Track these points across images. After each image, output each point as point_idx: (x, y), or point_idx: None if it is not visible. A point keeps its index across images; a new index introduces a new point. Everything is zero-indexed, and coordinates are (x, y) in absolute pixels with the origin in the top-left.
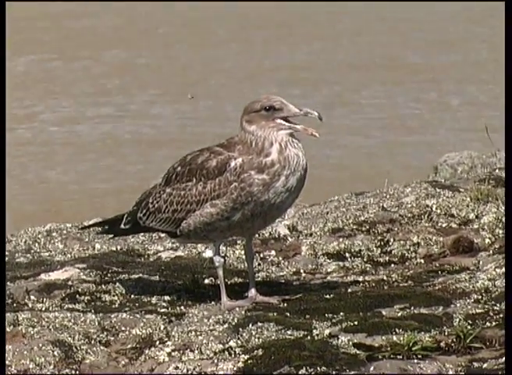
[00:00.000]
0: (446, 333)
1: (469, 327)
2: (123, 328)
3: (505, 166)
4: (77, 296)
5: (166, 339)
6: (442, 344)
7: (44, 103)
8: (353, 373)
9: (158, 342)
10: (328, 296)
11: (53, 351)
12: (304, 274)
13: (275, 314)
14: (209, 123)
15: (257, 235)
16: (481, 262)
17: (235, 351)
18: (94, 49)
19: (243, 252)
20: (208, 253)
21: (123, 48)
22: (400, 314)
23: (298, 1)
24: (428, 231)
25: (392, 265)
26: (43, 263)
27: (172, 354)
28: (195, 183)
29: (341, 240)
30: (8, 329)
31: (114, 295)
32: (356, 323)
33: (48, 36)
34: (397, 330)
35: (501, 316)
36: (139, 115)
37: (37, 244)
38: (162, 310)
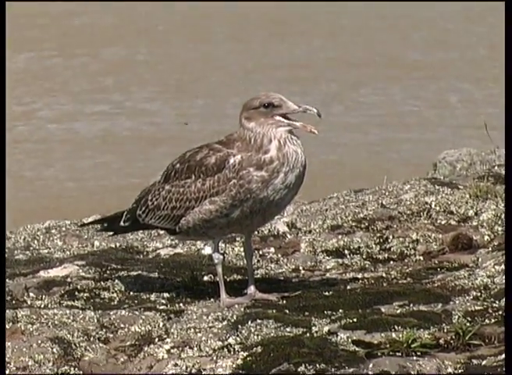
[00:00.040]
0: (445, 330)
1: (468, 324)
2: (122, 325)
3: (505, 163)
4: (76, 293)
5: (165, 336)
6: (442, 341)
7: (42, 100)
8: (352, 370)
9: (157, 339)
10: (327, 293)
11: (52, 348)
12: (303, 271)
13: (274, 311)
14: (208, 121)
15: (256, 232)
16: (480, 259)
17: (234, 349)
18: (92, 46)
19: (242, 249)
20: (207, 250)
21: (122, 46)
22: (399, 311)
23: (298, 0)
24: (427, 228)
25: (392, 262)
26: (42, 260)
27: (171, 351)
28: (194, 180)
29: (340, 237)
30: (7, 326)
31: (113, 292)
32: (355, 320)
33: (47, 33)
34: (396, 327)
35: (500, 312)
36: (138, 112)
37: (36, 241)
38: (161, 307)
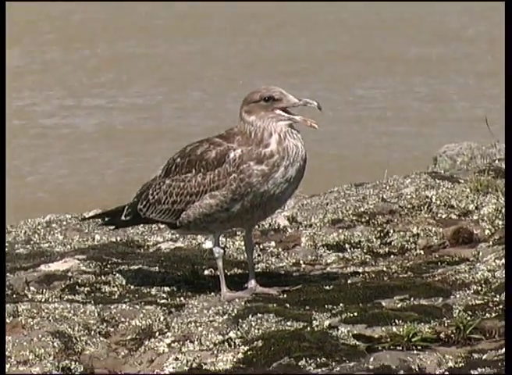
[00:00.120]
0: (446, 325)
1: (469, 318)
2: (123, 319)
3: (505, 157)
4: (77, 287)
5: (166, 330)
6: (442, 336)
7: (39, 95)
8: (352, 364)
9: (157, 333)
10: (327, 287)
11: (53, 343)
12: (303, 265)
13: (274, 305)
14: (208, 115)
15: (256, 226)
16: (480, 253)
17: (235, 343)
18: (91, 41)
19: (242, 243)
20: (208, 244)
21: (121, 41)
22: (399, 305)
23: (298, 0)
24: (428, 222)
25: (392, 256)
26: (43, 254)
27: (172, 345)
28: (194, 175)
29: (341, 231)
30: (7, 320)
31: (114, 286)
32: (356, 314)
33: (45, 28)
34: (397, 321)
35: (501, 307)
36: (137, 106)
37: (36, 236)
38: (162, 301)
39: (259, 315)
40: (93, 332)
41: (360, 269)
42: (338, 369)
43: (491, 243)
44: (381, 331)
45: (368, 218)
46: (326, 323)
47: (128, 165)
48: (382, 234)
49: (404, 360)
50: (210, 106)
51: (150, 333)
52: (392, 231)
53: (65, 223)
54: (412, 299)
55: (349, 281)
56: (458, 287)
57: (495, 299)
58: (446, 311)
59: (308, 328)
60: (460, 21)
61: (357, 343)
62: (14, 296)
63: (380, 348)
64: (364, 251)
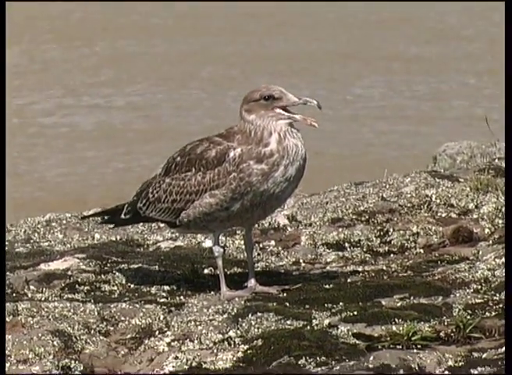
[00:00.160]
0: (446, 323)
1: (468, 317)
2: (123, 318)
3: (505, 156)
4: (77, 286)
5: (166, 329)
6: (442, 334)
7: (39, 93)
8: (352, 362)
9: (157, 332)
10: (327, 286)
11: (53, 341)
12: (303, 264)
13: (274, 304)
14: (207, 114)
15: (256, 225)
16: (480, 252)
17: (234, 341)
18: (89, 40)
19: (242, 242)
20: (208, 243)
21: (119, 39)
22: (399, 304)
23: (298, 0)
24: (428, 221)
25: (392, 255)
26: (42, 253)
27: (172, 344)
28: (194, 174)
29: (340, 230)
30: (7, 319)
31: (113, 285)
32: (355, 312)
33: (45, 27)
34: (397, 320)
35: (501, 305)
36: (136, 105)
37: (36, 234)
38: (162, 300)
39: (259, 314)
40: (93, 331)
41: (360, 268)
42: (338, 368)
43: (491, 242)
44: (381, 330)
45: (367, 217)
46: (326, 321)
47: (127, 163)
48: (381, 233)
49: (404, 359)
50: (209, 105)
51: (150, 332)
52: (391, 230)
53: (64, 221)
54: (412, 298)
55: (349, 280)
56: (458, 285)
57: (495, 298)
58: (445, 310)
59: (308, 327)
60: (460, 20)
61: (357, 342)
62: (14, 295)
63: (380, 346)
64: (364, 250)
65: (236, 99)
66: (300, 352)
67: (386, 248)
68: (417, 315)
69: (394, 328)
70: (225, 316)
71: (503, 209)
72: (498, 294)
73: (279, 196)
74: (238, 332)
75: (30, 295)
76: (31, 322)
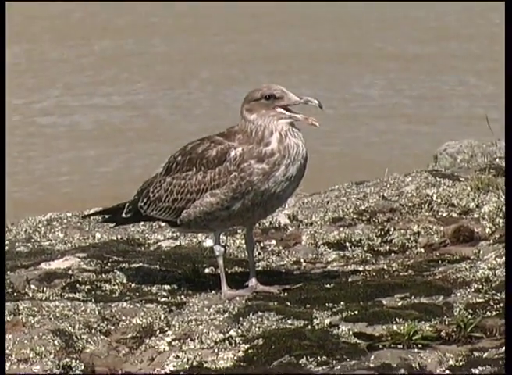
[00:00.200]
0: (447, 323)
1: (469, 317)
2: (124, 317)
3: (505, 156)
4: (77, 285)
5: (167, 328)
6: (443, 334)
7: (38, 92)
8: (353, 362)
9: (158, 331)
10: (328, 285)
11: (53, 341)
12: (304, 263)
13: (275, 303)
14: (207, 113)
15: (257, 224)
16: (481, 252)
17: (235, 341)
18: (88, 39)
19: (243, 242)
20: (209, 242)
21: (119, 38)
22: (400, 303)
23: (298, 0)
24: (429, 220)
25: (393, 254)
26: (43, 252)
27: (173, 343)
28: (195, 173)
29: (341, 229)
30: (8, 318)
31: (114, 284)
32: (356, 312)
33: (44, 26)
34: (398, 319)
35: (501, 305)
36: (136, 104)
37: (37, 234)
38: (163, 299)
39: (260, 313)
40: (93, 330)
41: (361, 268)
42: (338, 367)
43: (491, 241)
44: (381, 329)
45: (368, 216)
46: (327, 321)
47: (127, 162)
48: (382, 233)
49: (405, 358)
50: (209, 105)
51: (150, 332)
52: (392, 229)
53: (65, 221)
54: (413, 297)
55: (349, 279)
56: (459, 285)
57: (495, 297)
58: (446, 309)
59: (309, 326)
60: (460, 19)
61: (358, 341)
62: (15, 294)
63: (381, 346)
64: (365, 249)
65: (235, 99)
66: (301, 352)
67: (387, 248)
68: (418, 314)
69: (395, 327)
70: (226, 315)
71: (504, 209)
72: (499, 294)
73: (279, 195)
74: (239, 331)
75: (30, 294)
76: (32, 321)
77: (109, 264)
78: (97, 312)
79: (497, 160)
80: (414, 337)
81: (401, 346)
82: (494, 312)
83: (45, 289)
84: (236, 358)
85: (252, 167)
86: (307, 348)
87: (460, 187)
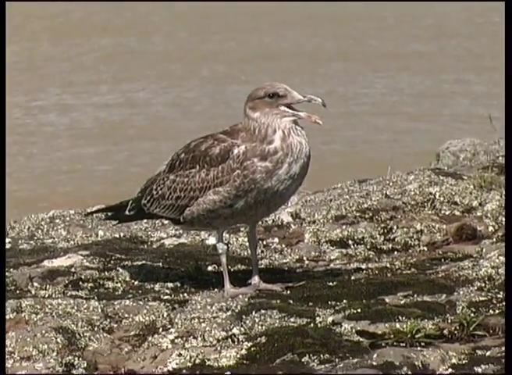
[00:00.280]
0: (449, 321)
1: (472, 315)
2: (126, 315)
3: (505, 155)
4: (80, 283)
5: (169, 326)
6: (446, 332)
7: (38, 91)
8: (356, 360)
9: (161, 329)
10: (331, 283)
11: (56, 338)
12: (307, 261)
13: (278, 301)
14: (208, 112)
15: (260, 222)
16: (484, 250)
17: (238, 339)
18: (89, 37)
19: (246, 239)
20: (212, 240)
21: (119, 36)
22: (403, 301)
23: (298, 0)
24: (432, 219)
25: (396, 252)
26: (46, 250)
27: (176, 341)
28: (198, 171)
29: (344, 227)
30: (11, 316)
31: (117, 282)
32: (359, 310)
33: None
34: (400, 317)
35: (504, 303)
36: (137, 102)
37: (40, 231)
38: (165, 297)
39: (262, 311)
40: (96, 328)
41: (364, 266)
42: (341, 365)
43: (494, 239)
44: (384, 328)
45: (371, 214)
46: (330, 319)
47: (127, 161)
48: (385, 231)
49: (408, 357)
50: (209, 103)
51: (153, 329)
52: (395, 228)
53: (68, 218)
54: (415, 296)
55: (352, 277)
56: (462, 283)
57: (498, 296)
58: (449, 307)
59: (312, 324)
60: (460, 18)
61: (361, 339)
62: (17, 292)
63: (383, 344)
64: (368, 247)
65: (235, 97)
66: (304, 350)
67: (390, 246)
68: (421, 312)
69: (398, 326)
70: (229, 313)
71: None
72: (502, 292)
73: (282, 193)
74: (242, 329)
75: (33, 292)
76: (35, 319)
77: (112, 262)
78: (99, 310)
79: (500, 158)
80: (416, 336)
81: (404, 344)
82: (497, 311)
83: (48, 287)
84: (238, 356)
85: (255, 165)
86: (310, 346)
87: (463, 186)
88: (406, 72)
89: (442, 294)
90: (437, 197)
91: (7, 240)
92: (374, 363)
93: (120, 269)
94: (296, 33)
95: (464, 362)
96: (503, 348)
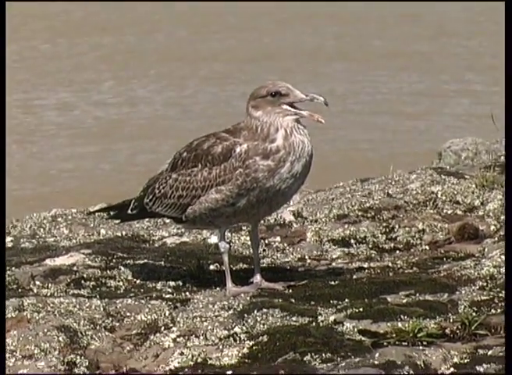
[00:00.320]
0: (451, 320)
1: (474, 314)
2: (128, 314)
3: (505, 155)
4: (82, 281)
5: (171, 325)
6: (447, 331)
7: (38, 90)
8: (358, 359)
9: (163, 328)
10: (333, 282)
11: (58, 337)
12: (309, 260)
13: (280, 300)
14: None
15: (262, 221)
16: (486, 249)
17: (240, 338)
18: (89, 36)
19: (248, 238)
20: (214, 239)
21: (119, 35)
22: (405, 301)
23: (298, 0)
24: (434, 218)
25: (398, 251)
26: (48, 249)
27: (177, 340)
28: (200, 169)
29: (346, 226)
30: (13, 314)
31: (119, 281)
32: (361, 309)
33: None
34: (402, 316)
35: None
36: (138, 101)
37: (42, 230)
38: (167, 296)
39: (264, 310)
40: (98, 326)
41: (366, 265)
42: (343, 364)
43: (496, 239)
44: (386, 327)
45: (373, 213)
46: (331, 318)
47: (127, 160)
48: (387, 230)
49: (409, 356)
50: (209, 102)
51: (155, 328)
52: (397, 227)
53: (70, 217)
54: (417, 295)
55: (354, 277)
56: (463, 282)
57: (500, 295)
58: (451, 307)
59: (313, 323)
60: (460, 17)
61: (363, 338)
62: (19, 290)
63: (385, 343)
64: (370, 246)
65: (235, 96)
66: (306, 349)
67: (392, 245)
68: (423, 312)
69: (400, 325)
70: (231, 312)
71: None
72: (503, 291)
73: (285, 192)
74: (243, 328)
75: (35, 291)
76: (37, 317)
77: (114, 260)
78: (101, 309)
79: (502, 158)
80: (418, 335)
81: (406, 343)
82: (499, 310)
83: (50, 285)
84: (240, 355)
85: (257, 164)
86: (312, 345)
87: (465, 185)
88: (406, 71)
89: (444, 294)
90: (439, 196)
91: (9, 238)
92: (376, 362)
93: (122, 268)
94: (296, 32)
95: (465, 361)
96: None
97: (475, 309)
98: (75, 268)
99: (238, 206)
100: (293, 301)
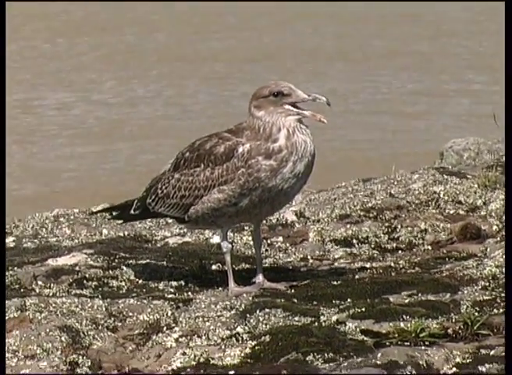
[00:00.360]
0: (454, 320)
1: (476, 314)
2: (131, 314)
3: (505, 155)
4: (85, 281)
5: (173, 325)
6: (450, 331)
7: (38, 90)
8: (360, 359)
9: (165, 328)
10: (335, 282)
11: (60, 337)
12: (311, 260)
13: (282, 300)
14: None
15: (264, 221)
16: (488, 249)
17: (242, 338)
18: (89, 36)
19: (250, 238)
20: (216, 239)
21: (119, 35)
22: (407, 301)
23: (298, 0)
24: (436, 218)
25: (400, 251)
26: (50, 248)
27: (180, 340)
28: (203, 169)
29: (348, 226)
30: (15, 314)
31: (121, 281)
32: (363, 309)
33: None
34: (405, 316)
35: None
36: (139, 101)
37: (44, 230)
38: (170, 296)
39: (267, 310)
40: (100, 326)
41: (368, 265)
42: (345, 364)
43: (498, 239)
44: (388, 327)
45: (375, 213)
46: (334, 318)
47: (127, 159)
48: (389, 230)
49: (412, 356)
50: (210, 102)
51: (157, 328)
52: (399, 227)
53: (72, 217)
54: (420, 295)
55: (356, 277)
56: (466, 282)
57: (502, 295)
58: (453, 307)
59: (316, 323)
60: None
61: (365, 338)
62: (22, 290)
63: (388, 343)
64: (372, 246)
65: (235, 96)
66: (308, 349)
67: (394, 245)
68: (425, 312)
69: (402, 325)
70: (233, 312)
71: (504, 209)
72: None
73: (287, 192)
74: (246, 328)
75: (37, 291)
76: (39, 317)
77: (116, 260)
78: (104, 309)
79: (504, 157)
80: (421, 335)
81: (408, 343)
82: (501, 310)
83: (52, 285)
84: (242, 354)
85: (260, 163)
86: (314, 345)
87: (468, 185)
88: (406, 71)
89: (446, 294)
90: (441, 196)
91: (11, 238)
92: (378, 362)
93: (124, 268)
94: (296, 32)
95: (468, 361)
96: None
97: (477, 309)
98: (77, 268)
99: (240, 206)
100: (296, 301)
